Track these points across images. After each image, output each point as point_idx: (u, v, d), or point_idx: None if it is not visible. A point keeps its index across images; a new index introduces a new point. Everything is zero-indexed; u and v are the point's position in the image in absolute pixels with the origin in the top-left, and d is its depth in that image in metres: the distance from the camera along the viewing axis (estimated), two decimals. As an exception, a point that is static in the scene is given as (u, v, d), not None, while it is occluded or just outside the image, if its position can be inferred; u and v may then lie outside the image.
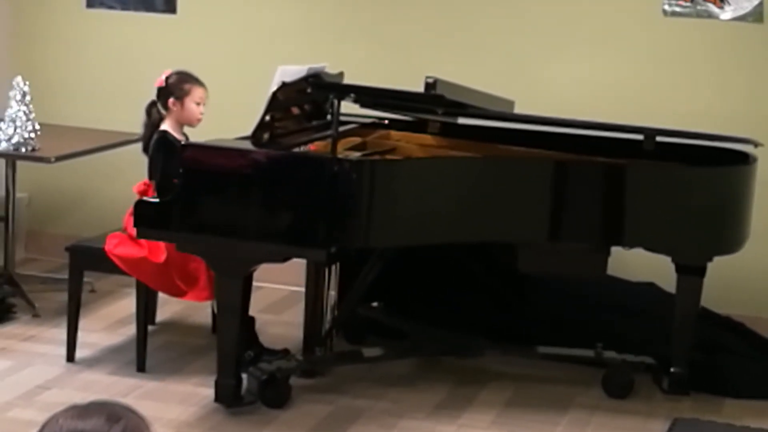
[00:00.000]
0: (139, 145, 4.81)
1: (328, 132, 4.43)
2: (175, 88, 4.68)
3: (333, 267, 4.86)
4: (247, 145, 4.32)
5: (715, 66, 5.36)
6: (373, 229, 4.20)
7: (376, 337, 5.10)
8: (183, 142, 4.56)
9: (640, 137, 4.64)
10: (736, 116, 5.26)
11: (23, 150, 5.06)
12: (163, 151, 4.61)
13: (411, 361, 4.92)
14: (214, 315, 4.90)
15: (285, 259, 4.27)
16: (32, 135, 5.06)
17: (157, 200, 4.29)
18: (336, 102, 4.36)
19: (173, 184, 4.39)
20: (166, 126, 4.68)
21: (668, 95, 5.39)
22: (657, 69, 5.41)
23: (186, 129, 4.76)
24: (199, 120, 4.72)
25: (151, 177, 4.64)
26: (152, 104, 4.73)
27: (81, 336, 4.80)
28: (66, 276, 4.83)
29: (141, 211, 4.30)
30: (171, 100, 4.68)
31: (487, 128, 4.91)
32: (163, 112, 4.69)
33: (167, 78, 4.71)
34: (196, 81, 4.73)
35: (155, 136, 4.66)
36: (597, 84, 5.45)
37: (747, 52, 5.31)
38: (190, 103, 4.68)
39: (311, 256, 4.36)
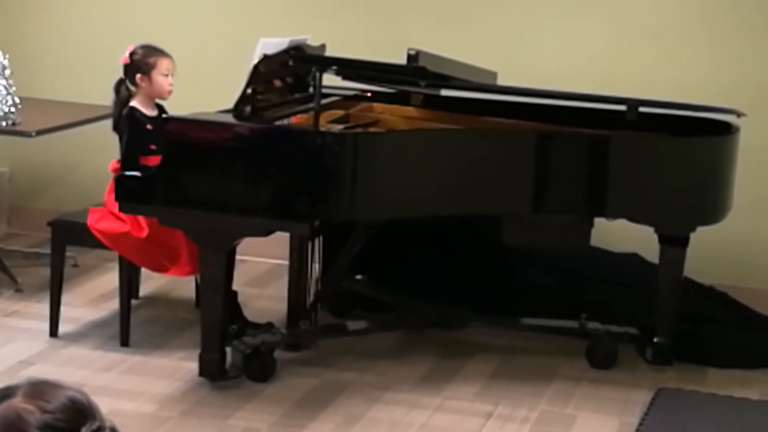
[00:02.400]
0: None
1: (311, 105, 4.41)
2: (141, 63, 4.62)
3: (317, 240, 4.86)
4: (229, 118, 4.30)
5: (699, 36, 5.35)
6: (357, 202, 4.20)
7: (361, 310, 5.10)
8: (164, 116, 4.53)
9: (623, 108, 4.64)
10: (719, 85, 5.25)
11: (4, 124, 5.02)
12: (128, 129, 4.57)
13: (396, 334, 4.93)
14: (197, 289, 4.89)
15: (268, 233, 4.26)
16: (12, 109, 5.02)
17: (138, 174, 4.26)
18: (318, 75, 4.34)
19: (138, 164, 4.37)
20: (135, 102, 4.63)
21: (652, 66, 5.38)
22: (641, 39, 5.39)
23: (164, 102, 4.73)
24: (169, 92, 4.66)
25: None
26: (120, 82, 4.68)
27: (64, 311, 4.78)
28: (48, 251, 4.82)
29: (123, 185, 4.28)
30: (138, 75, 4.62)
31: (471, 100, 4.90)
32: (132, 88, 4.64)
33: (131, 54, 4.65)
34: (161, 53, 4.65)
35: (124, 113, 4.62)
36: (580, 55, 5.44)
37: (733, 21, 5.30)
38: (157, 76, 4.62)
39: (295, 229, 4.35)
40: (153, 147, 4.49)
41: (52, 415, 1.49)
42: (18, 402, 1.51)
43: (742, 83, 5.27)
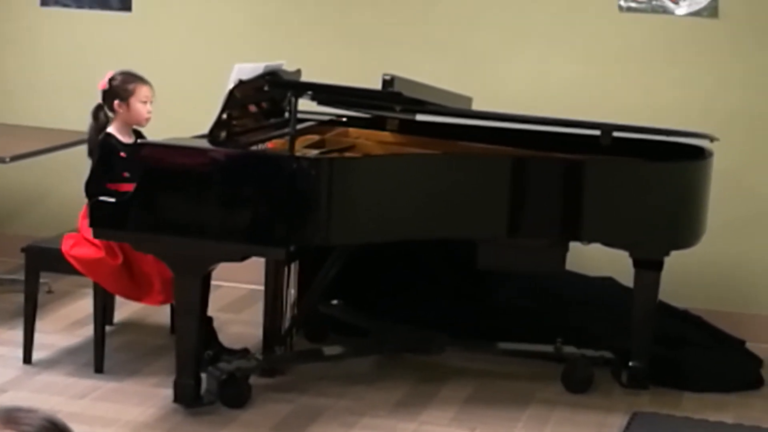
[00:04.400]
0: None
1: (286, 130, 4.42)
2: (120, 89, 4.61)
3: (292, 265, 4.85)
4: (205, 143, 4.29)
5: (671, 61, 5.39)
6: (333, 226, 4.19)
7: (337, 335, 5.09)
8: (139, 141, 4.53)
9: (597, 133, 4.67)
10: (693, 111, 5.30)
11: (-23, 150, 5.00)
12: (99, 154, 4.56)
13: (372, 359, 4.92)
14: (172, 315, 4.87)
15: (243, 258, 4.26)
16: (-14, 135, 5.00)
17: (113, 200, 4.25)
18: (293, 100, 4.35)
19: (104, 188, 4.35)
20: (112, 128, 4.62)
21: (625, 91, 5.42)
22: (613, 65, 5.43)
23: (141, 128, 4.72)
24: (147, 119, 4.65)
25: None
26: (99, 107, 4.67)
27: (38, 337, 4.75)
28: (22, 277, 4.79)
29: (97, 211, 4.26)
30: (116, 102, 4.61)
31: (446, 125, 4.91)
32: (110, 114, 4.63)
33: (111, 80, 4.64)
34: (140, 80, 4.64)
35: (99, 138, 4.60)
36: (554, 80, 5.47)
37: (702, 47, 5.35)
38: (135, 103, 4.61)
39: (270, 254, 4.35)
40: (126, 174, 4.47)
41: None
42: None
43: (712, 108, 5.31)
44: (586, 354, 4.75)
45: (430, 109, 4.73)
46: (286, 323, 4.82)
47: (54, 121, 5.70)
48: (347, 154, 4.63)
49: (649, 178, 4.62)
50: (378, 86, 4.33)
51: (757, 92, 5.31)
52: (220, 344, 4.73)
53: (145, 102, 4.61)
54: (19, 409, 1.53)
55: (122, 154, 4.57)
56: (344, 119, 5.06)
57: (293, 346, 4.89)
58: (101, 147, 4.58)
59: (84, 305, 5.19)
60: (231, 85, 4.32)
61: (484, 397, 4.60)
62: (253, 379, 4.48)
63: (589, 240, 4.60)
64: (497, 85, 5.44)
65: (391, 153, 4.69)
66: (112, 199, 4.26)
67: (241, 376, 4.39)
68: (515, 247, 4.53)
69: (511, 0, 5.51)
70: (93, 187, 4.43)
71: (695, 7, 5.33)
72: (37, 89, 5.99)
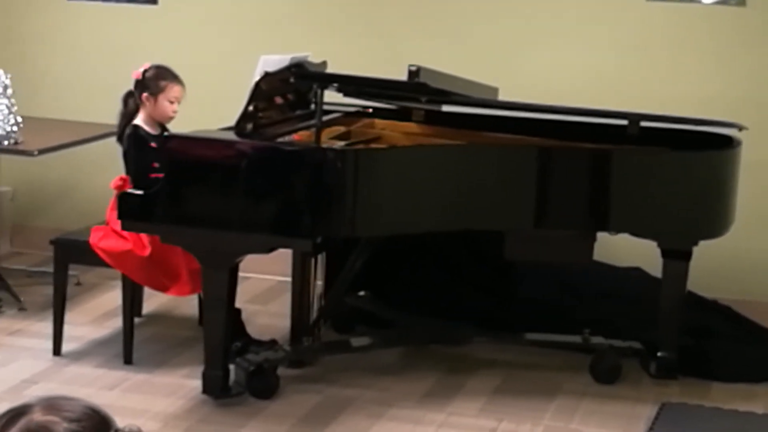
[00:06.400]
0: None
1: (312, 121, 4.42)
2: (151, 83, 4.63)
3: (319, 256, 4.86)
4: (231, 135, 4.30)
5: (698, 50, 5.36)
6: (359, 218, 4.20)
7: (364, 327, 5.09)
8: (166, 134, 4.54)
9: (624, 122, 4.65)
10: (720, 100, 5.26)
11: (6, 143, 5.03)
12: (134, 147, 4.58)
13: (399, 350, 4.92)
14: (200, 306, 4.89)
15: (271, 250, 4.26)
16: (15, 128, 5.03)
17: (141, 192, 4.27)
18: (319, 91, 4.35)
19: (149, 179, 4.37)
20: (139, 119, 4.63)
21: (652, 80, 5.39)
22: (641, 54, 5.41)
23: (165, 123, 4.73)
24: (171, 118, 4.66)
25: (127, 172, 4.62)
26: (129, 94, 4.69)
27: (67, 329, 4.78)
28: (51, 269, 4.81)
29: (125, 203, 4.28)
30: (145, 94, 4.63)
31: (472, 116, 4.90)
32: (138, 103, 4.66)
33: (145, 71, 4.66)
34: (173, 78, 4.66)
35: (127, 131, 4.62)
36: (581, 70, 5.45)
37: (730, 35, 5.31)
38: (163, 101, 4.63)
39: (297, 246, 4.36)
40: (156, 165, 4.50)
41: (78, 423, 1.50)
42: (39, 416, 1.52)
43: (741, 98, 5.28)
44: (614, 345, 4.74)
45: (456, 99, 4.72)
46: (314, 314, 4.83)
47: (81, 115, 5.73)
48: (373, 146, 4.63)
49: (676, 168, 4.60)
50: (404, 77, 4.33)
51: (786, 81, 5.28)
52: (248, 336, 4.75)
53: (173, 102, 4.63)
54: (60, 397, 1.55)
55: (152, 144, 4.59)
56: (370, 110, 5.06)
57: (321, 337, 4.89)
58: (132, 140, 4.59)
59: (112, 297, 5.22)
60: (257, 77, 4.33)
61: (511, 388, 4.60)
62: (281, 370, 4.49)
63: (617, 230, 4.59)
64: (523, 76, 5.43)
65: (417, 144, 4.68)
66: (140, 192, 4.28)
67: (269, 367, 4.41)
68: (543, 238, 4.51)
69: (537, -10, 5.50)
70: (140, 179, 4.43)
71: (723, -5, 5.30)
72: (64, 83, 6.02)
